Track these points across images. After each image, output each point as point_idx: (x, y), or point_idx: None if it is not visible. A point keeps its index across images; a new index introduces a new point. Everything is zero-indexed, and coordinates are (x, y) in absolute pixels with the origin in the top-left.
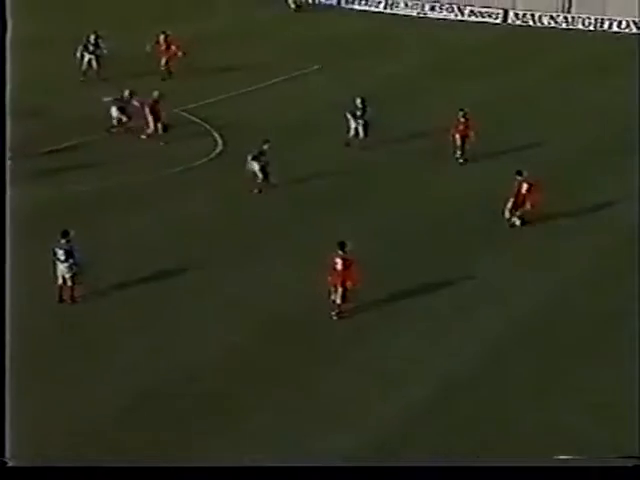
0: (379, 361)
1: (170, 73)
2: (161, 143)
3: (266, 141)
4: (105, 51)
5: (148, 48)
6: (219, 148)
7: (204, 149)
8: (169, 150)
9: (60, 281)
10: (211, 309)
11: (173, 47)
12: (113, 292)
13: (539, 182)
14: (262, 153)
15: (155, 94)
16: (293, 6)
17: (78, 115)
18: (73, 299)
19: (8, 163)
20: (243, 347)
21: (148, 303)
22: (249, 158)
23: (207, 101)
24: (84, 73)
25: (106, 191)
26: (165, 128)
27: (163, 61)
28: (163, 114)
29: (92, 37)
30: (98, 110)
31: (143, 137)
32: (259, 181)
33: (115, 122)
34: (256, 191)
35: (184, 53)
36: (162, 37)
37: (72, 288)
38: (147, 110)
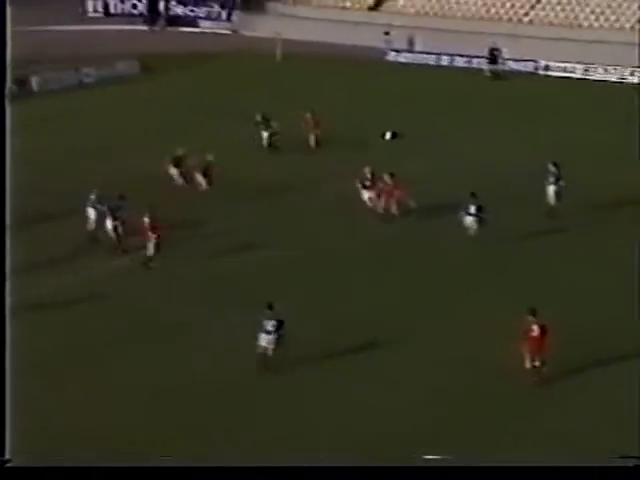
0: (575, 429)
1: (318, 145)
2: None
3: (473, 194)
4: (278, 129)
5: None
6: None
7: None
8: (344, 214)
9: (262, 350)
10: (400, 374)
11: (320, 124)
12: (309, 362)
13: None
14: (480, 209)
15: (367, 169)
16: (489, 74)
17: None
18: (275, 369)
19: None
20: (431, 416)
21: (336, 373)
22: (472, 207)
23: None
24: (266, 148)
25: (299, 258)
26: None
27: (313, 140)
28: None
29: (259, 117)
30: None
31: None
32: (472, 234)
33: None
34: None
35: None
36: (309, 115)
37: (274, 358)
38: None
